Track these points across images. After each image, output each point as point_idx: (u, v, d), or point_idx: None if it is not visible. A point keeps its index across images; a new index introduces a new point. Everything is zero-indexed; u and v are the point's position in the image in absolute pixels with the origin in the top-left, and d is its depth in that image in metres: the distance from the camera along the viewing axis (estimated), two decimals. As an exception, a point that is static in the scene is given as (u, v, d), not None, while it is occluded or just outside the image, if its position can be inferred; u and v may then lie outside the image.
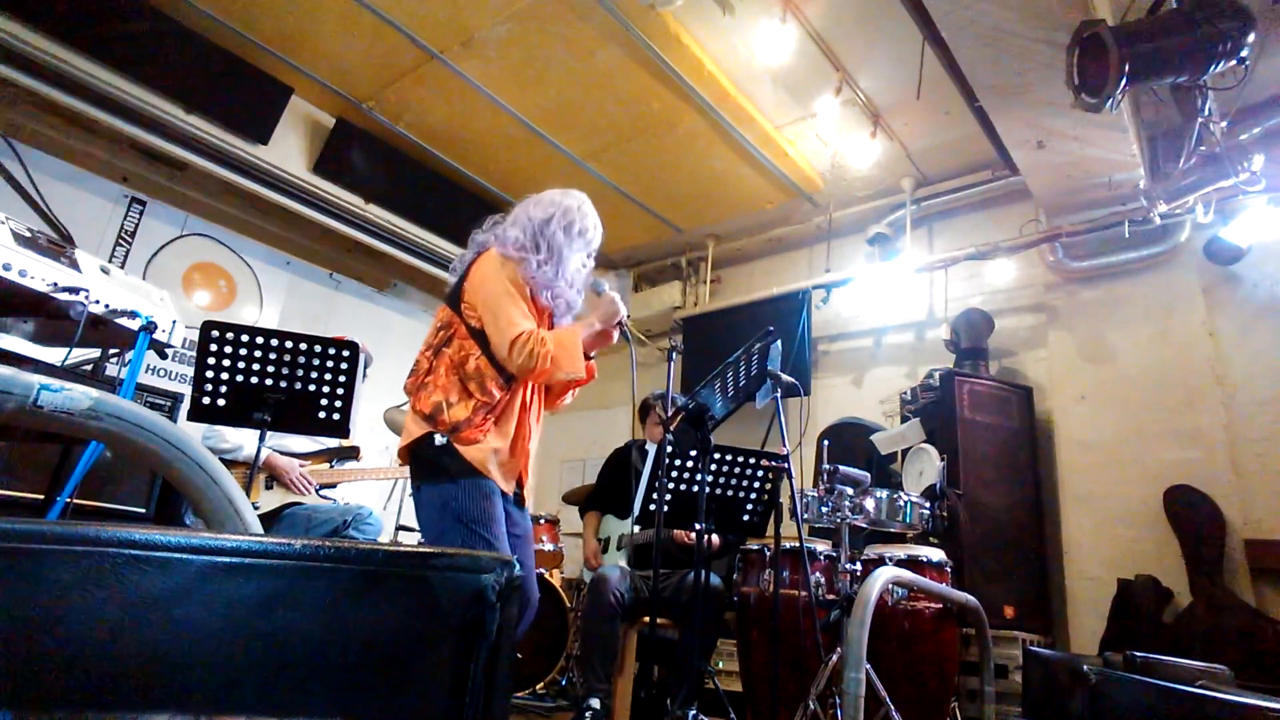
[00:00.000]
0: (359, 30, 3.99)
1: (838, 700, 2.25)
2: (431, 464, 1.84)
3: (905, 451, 3.99)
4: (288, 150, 4.55)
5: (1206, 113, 3.06)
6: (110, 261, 3.13)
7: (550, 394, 2.13)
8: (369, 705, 0.58)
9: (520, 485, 2.00)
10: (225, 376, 2.26)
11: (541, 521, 4.17)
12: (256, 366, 2.27)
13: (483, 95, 4.37)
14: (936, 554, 2.75)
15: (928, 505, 2.75)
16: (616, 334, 2.02)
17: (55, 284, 1.56)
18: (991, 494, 3.84)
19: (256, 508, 2.53)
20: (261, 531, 1.43)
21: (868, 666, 2.15)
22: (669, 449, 2.50)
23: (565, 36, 3.89)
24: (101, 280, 1.69)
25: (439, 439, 1.84)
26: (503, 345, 1.84)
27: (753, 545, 2.92)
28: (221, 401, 2.26)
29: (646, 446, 3.43)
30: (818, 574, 2.69)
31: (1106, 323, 4.14)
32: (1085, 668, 1.84)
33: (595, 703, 2.81)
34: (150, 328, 1.73)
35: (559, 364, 1.85)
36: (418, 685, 0.59)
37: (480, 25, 3.87)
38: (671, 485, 2.56)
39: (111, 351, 2.15)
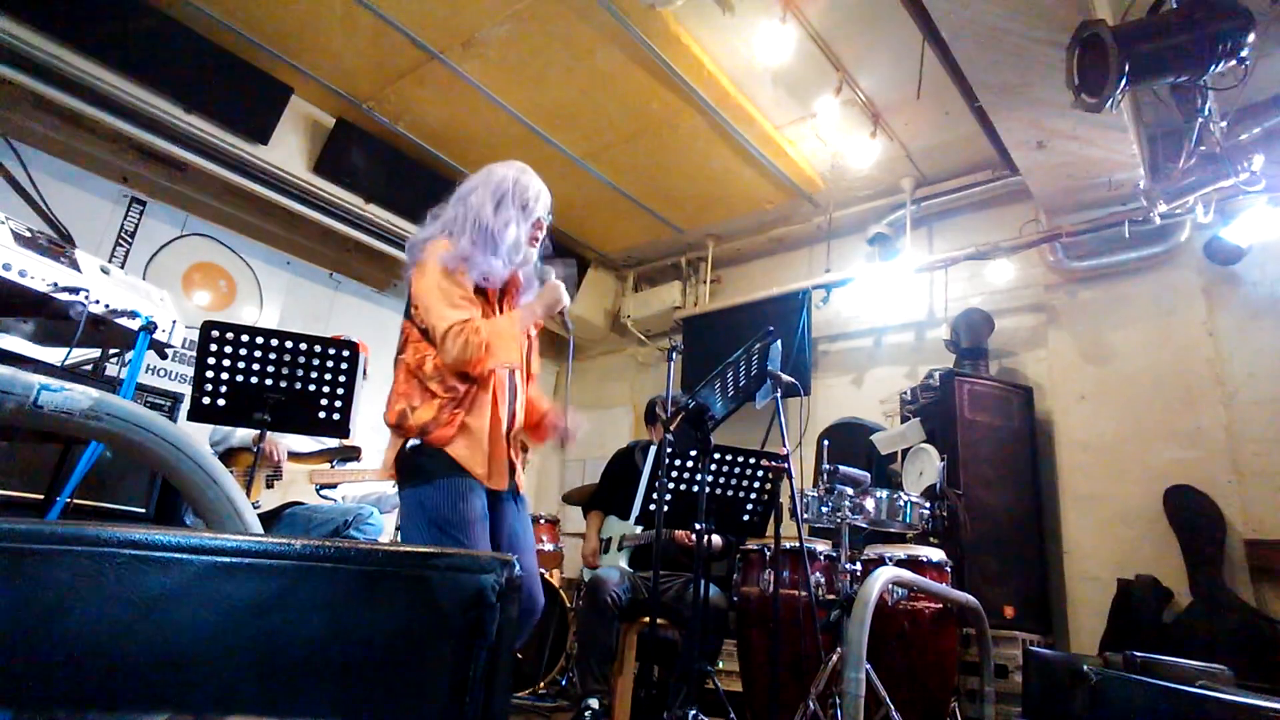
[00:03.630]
0: (359, 30, 3.98)
1: (838, 700, 2.25)
2: (409, 466, 1.82)
3: (905, 451, 3.99)
4: (288, 150, 4.55)
5: (1206, 113, 3.06)
6: (110, 261, 3.13)
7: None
8: (369, 705, 0.58)
9: (514, 472, 1.96)
10: (225, 376, 2.26)
11: (541, 521, 4.18)
12: (256, 366, 2.28)
13: (483, 95, 4.37)
14: (936, 554, 2.75)
15: (928, 505, 2.75)
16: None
17: (55, 284, 1.56)
18: (991, 494, 3.84)
19: (257, 507, 2.53)
20: (261, 531, 1.43)
21: (868, 666, 2.15)
22: (669, 449, 2.50)
23: (565, 36, 3.89)
24: (101, 280, 1.69)
25: (414, 442, 1.82)
26: (438, 341, 1.81)
27: (753, 545, 2.92)
28: (221, 401, 2.26)
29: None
30: (818, 574, 2.70)
31: (1106, 323, 4.14)
32: (1085, 668, 1.84)
33: (594, 703, 2.81)
34: (150, 328, 1.73)
35: (494, 352, 1.81)
36: (417, 685, 0.59)
37: (480, 25, 3.87)
38: (672, 485, 2.56)
39: (111, 351, 2.15)
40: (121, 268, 3.04)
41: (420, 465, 1.80)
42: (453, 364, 1.80)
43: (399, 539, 1.91)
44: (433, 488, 1.78)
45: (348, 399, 2.38)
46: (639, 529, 3.25)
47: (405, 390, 1.86)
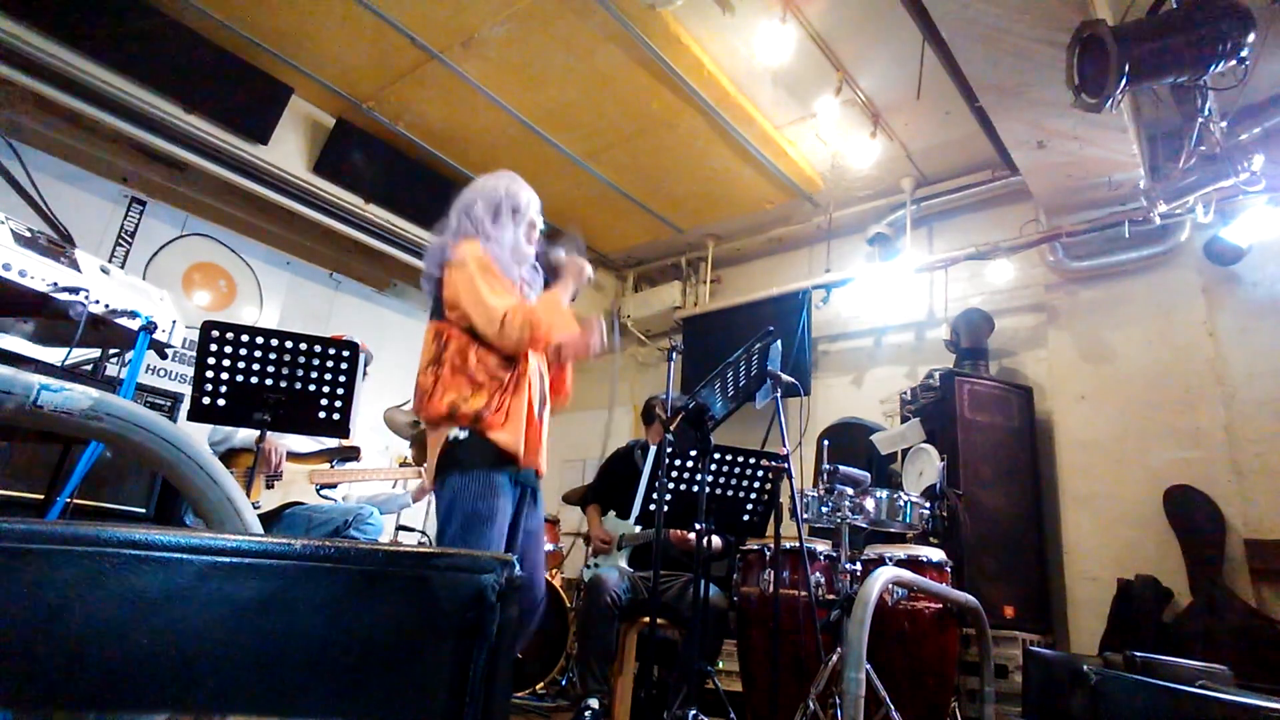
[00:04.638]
0: (359, 30, 3.98)
1: (838, 700, 2.25)
2: (449, 457, 1.88)
3: (905, 451, 3.99)
4: (288, 150, 4.55)
5: (1206, 113, 3.06)
6: (110, 261, 3.13)
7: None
8: (369, 705, 0.58)
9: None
10: (225, 376, 2.26)
11: (541, 521, 4.16)
12: (256, 366, 2.27)
13: (483, 95, 4.37)
14: (936, 554, 2.75)
15: (928, 505, 2.75)
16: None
17: (55, 284, 1.56)
18: (991, 494, 3.84)
19: (257, 507, 2.53)
20: (261, 531, 1.43)
21: (868, 666, 2.15)
22: (669, 449, 2.50)
23: (565, 36, 3.89)
24: (101, 280, 1.69)
25: (458, 433, 1.87)
26: (492, 329, 1.88)
27: (753, 545, 2.92)
28: (221, 401, 2.26)
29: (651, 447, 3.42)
30: (818, 574, 2.69)
31: (1106, 323, 4.14)
32: (1085, 668, 1.84)
33: (594, 703, 2.81)
34: (150, 328, 1.73)
35: (555, 328, 1.91)
36: (418, 685, 0.59)
37: (480, 25, 3.87)
38: (671, 485, 2.56)
39: (111, 351, 2.15)
40: (121, 268, 3.04)
41: (459, 458, 1.86)
42: (514, 346, 1.90)
43: (439, 531, 1.95)
44: (467, 478, 1.85)
45: (348, 399, 2.38)
46: (638, 528, 3.25)
47: (452, 384, 1.91)
